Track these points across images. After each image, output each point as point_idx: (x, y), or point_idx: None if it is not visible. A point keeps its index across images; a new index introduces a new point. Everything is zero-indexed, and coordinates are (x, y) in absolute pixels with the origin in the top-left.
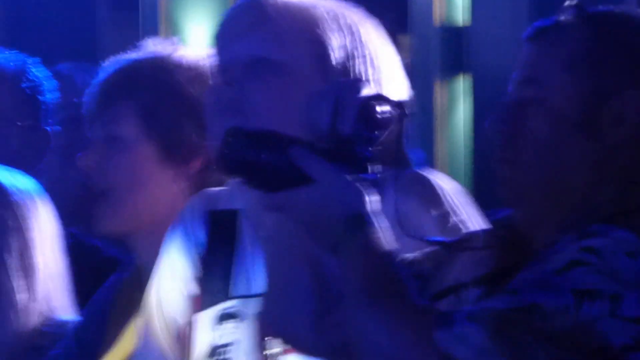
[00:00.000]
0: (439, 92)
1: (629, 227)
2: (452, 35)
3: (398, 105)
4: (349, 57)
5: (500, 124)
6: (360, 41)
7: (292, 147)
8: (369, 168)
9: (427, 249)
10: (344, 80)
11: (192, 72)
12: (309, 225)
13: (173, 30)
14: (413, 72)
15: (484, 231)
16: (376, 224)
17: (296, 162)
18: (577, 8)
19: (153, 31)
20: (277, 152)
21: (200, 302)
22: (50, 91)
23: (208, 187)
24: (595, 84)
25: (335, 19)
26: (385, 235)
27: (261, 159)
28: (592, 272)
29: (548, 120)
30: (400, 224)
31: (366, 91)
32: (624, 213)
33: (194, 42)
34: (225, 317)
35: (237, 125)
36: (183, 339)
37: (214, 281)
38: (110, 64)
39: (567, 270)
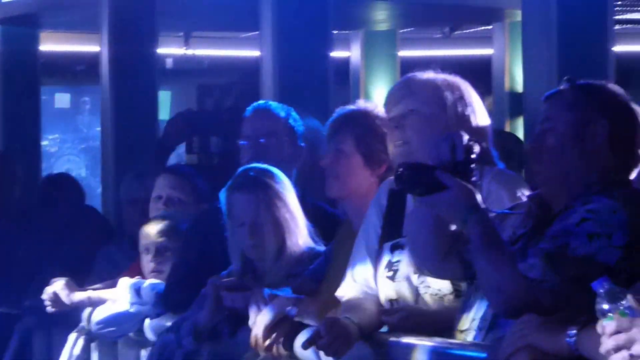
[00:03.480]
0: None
1: (610, 196)
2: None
3: (482, 132)
4: (457, 106)
5: (534, 142)
6: (463, 97)
7: (436, 170)
8: (474, 175)
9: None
10: (455, 132)
11: (381, 119)
12: (447, 212)
13: (367, 95)
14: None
15: (526, 202)
16: (482, 207)
17: (439, 178)
18: (570, 81)
19: (356, 95)
20: (428, 174)
21: (385, 236)
22: (300, 126)
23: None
24: (581, 118)
25: (450, 84)
26: (486, 212)
27: (419, 179)
28: (595, 223)
29: (557, 139)
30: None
31: (465, 137)
32: (606, 188)
33: (378, 101)
34: (396, 246)
35: (403, 162)
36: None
37: (391, 226)
38: (337, 112)
39: (580, 223)
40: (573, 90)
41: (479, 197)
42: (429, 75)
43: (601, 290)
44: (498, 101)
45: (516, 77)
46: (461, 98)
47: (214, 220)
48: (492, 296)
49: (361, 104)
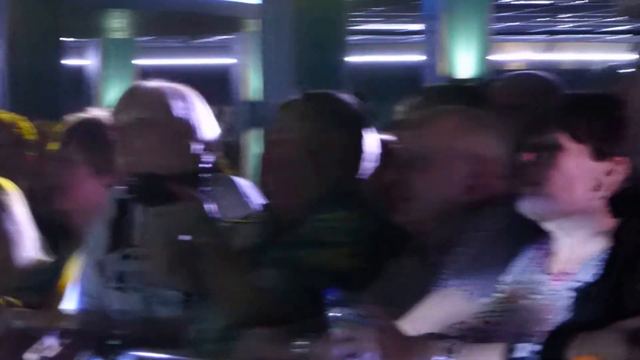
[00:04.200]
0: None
1: (342, 206)
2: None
3: (211, 141)
4: (185, 115)
5: (267, 153)
6: (191, 106)
7: (167, 180)
8: (205, 185)
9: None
10: (185, 142)
11: (110, 128)
12: (178, 223)
13: (104, 103)
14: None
15: (260, 211)
16: (213, 217)
17: (169, 188)
18: (304, 91)
19: (93, 104)
20: (159, 184)
21: (113, 247)
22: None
23: None
24: (314, 128)
25: (177, 93)
26: (217, 222)
27: (150, 189)
28: (327, 232)
29: (291, 149)
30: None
31: (195, 147)
32: (338, 198)
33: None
34: (125, 257)
35: (136, 172)
36: None
37: (119, 237)
38: (66, 120)
39: (312, 232)
40: (306, 100)
41: (210, 207)
42: (155, 83)
43: (331, 299)
44: (238, 110)
45: (255, 86)
46: (189, 107)
47: None
48: (224, 306)
49: (91, 112)
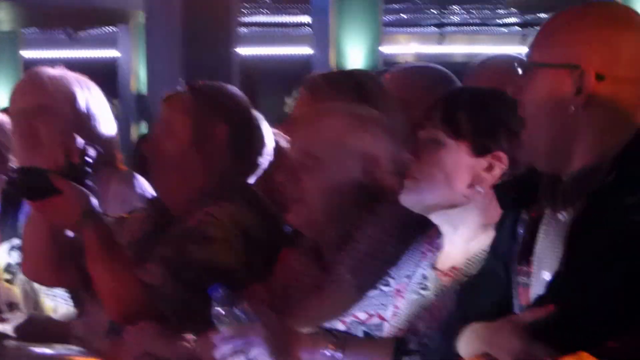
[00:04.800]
0: None
1: (229, 200)
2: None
3: (107, 134)
4: (86, 104)
5: (151, 146)
6: (92, 96)
7: (49, 174)
8: (90, 179)
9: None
10: (70, 135)
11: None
12: (60, 217)
13: None
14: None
15: (147, 206)
16: (97, 212)
17: (52, 182)
18: (189, 83)
19: None
20: (41, 178)
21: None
22: None
23: None
24: (199, 121)
25: (80, 82)
26: (101, 217)
27: (31, 183)
28: (213, 227)
29: (176, 143)
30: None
31: (80, 140)
32: (226, 192)
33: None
34: (13, 248)
35: (19, 166)
36: None
37: (6, 228)
38: None
39: (198, 227)
40: (191, 92)
41: (94, 201)
42: (59, 70)
43: (216, 295)
44: (125, 103)
45: (142, 79)
46: (90, 97)
47: None
48: (108, 302)
49: None
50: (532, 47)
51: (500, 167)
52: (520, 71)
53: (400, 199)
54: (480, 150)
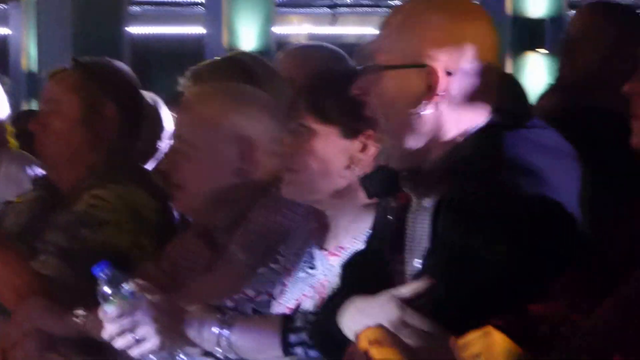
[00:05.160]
0: None
1: (126, 183)
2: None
3: None
4: None
5: (38, 123)
6: None
7: None
8: None
9: None
10: None
11: None
12: None
13: None
14: None
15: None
16: None
17: None
18: (75, 60)
19: None
20: None
21: None
22: None
23: None
24: (86, 99)
25: None
26: None
27: None
28: (103, 210)
29: (62, 120)
30: None
31: None
32: (107, 176)
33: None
34: None
35: None
36: None
37: None
38: None
39: (94, 210)
40: (78, 70)
41: None
42: None
43: (102, 275)
44: (15, 81)
45: (33, 57)
46: None
47: None
48: (3, 293)
49: None
50: (377, 45)
51: (374, 146)
52: (367, 73)
53: (282, 192)
54: (351, 132)
